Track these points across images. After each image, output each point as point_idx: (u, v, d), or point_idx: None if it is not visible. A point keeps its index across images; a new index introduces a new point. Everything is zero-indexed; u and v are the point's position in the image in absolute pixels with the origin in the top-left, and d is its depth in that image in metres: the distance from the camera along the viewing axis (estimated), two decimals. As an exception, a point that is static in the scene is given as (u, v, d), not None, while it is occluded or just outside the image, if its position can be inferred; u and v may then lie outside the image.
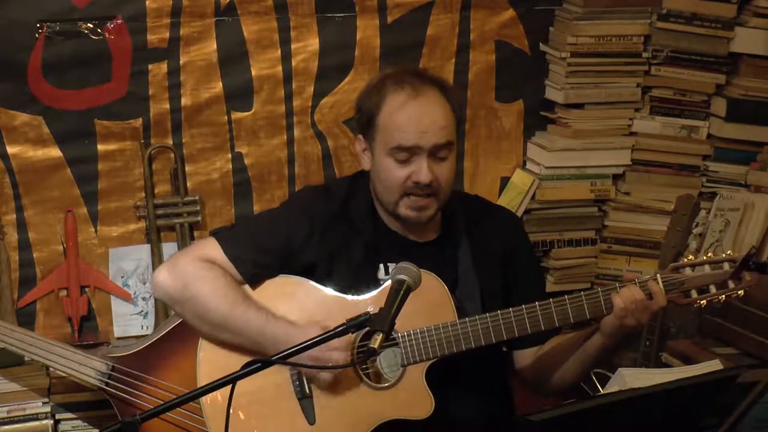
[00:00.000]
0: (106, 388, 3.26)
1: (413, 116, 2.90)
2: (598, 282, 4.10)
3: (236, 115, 3.90)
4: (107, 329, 3.87)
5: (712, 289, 2.90)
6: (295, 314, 2.96)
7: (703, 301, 2.91)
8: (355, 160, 3.89)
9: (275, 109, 3.92)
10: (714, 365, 2.95)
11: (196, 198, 3.88)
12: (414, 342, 2.90)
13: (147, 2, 3.74)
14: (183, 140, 3.87)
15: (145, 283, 3.88)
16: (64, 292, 3.81)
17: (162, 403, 2.36)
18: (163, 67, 3.81)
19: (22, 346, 3.41)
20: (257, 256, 3.00)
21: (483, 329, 2.89)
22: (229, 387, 2.31)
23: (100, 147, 3.81)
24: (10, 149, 3.74)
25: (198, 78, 3.84)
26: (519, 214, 3.99)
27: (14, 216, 3.78)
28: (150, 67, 3.80)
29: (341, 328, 2.43)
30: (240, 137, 3.91)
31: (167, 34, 3.78)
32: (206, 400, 2.94)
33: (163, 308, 3.81)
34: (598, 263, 4.14)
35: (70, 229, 3.80)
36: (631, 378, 2.82)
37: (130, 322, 3.89)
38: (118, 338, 3.85)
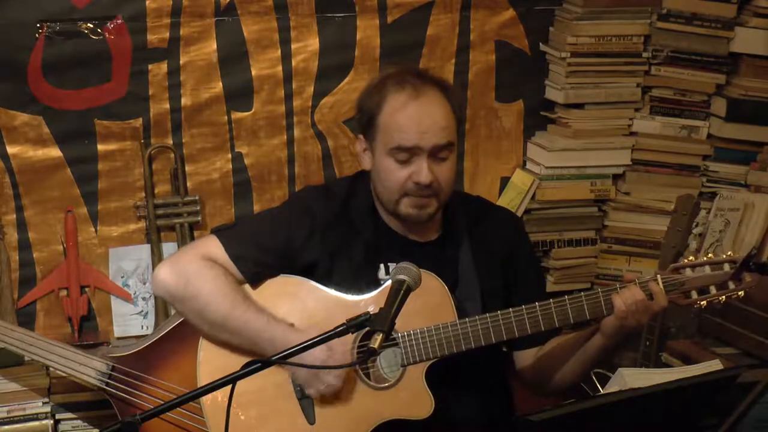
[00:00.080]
0: (106, 388, 3.26)
1: (414, 117, 2.90)
2: (598, 282, 4.10)
3: (236, 115, 3.90)
4: (107, 329, 3.87)
5: (713, 289, 2.89)
6: (296, 314, 2.96)
7: (704, 302, 2.91)
8: (355, 160, 3.89)
9: (275, 109, 3.92)
10: (714, 365, 2.95)
11: (196, 198, 3.88)
12: (414, 342, 2.90)
13: (147, 2, 3.74)
14: (183, 140, 3.87)
15: (145, 283, 3.88)
16: (64, 292, 3.81)
17: (162, 403, 2.36)
18: (163, 67, 3.81)
19: (22, 346, 3.41)
20: (258, 255, 3.00)
21: (483, 329, 2.89)
22: (230, 387, 2.31)
23: (100, 147, 3.81)
24: (10, 149, 3.74)
25: (198, 78, 3.84)
26: (519, 214, 3.99)
27: (14, 216, 3.78)
28: (150, 67, 3.80)
29: (341, 328, 2.43)
30: (240, 137, 3.91)
31: (167, 34, 3.78)
32: (206, 399, 2.94)
33: (163, 308, 3.81)
34: (598, 263, 4.14)
35: (70, 229, 3.80)
36: (631, 378, 2.82)
37: (130, 322, 3.89)
38: (118, 338, 3.85)
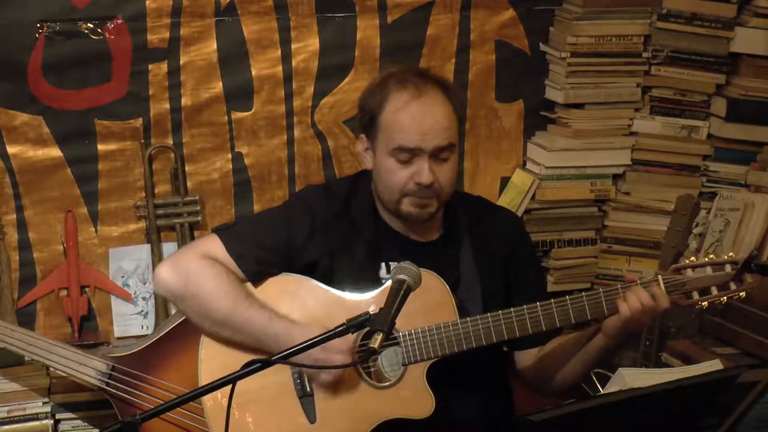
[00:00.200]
0: (106, 388, 3.26)
1: (416, 117, 2.90)
2: (598, 282, 4.10)
3: (236, 115, 3.90)
4: (107, 329, 3.87)
5: (714, 290, 2.89)
6: (297, 313, 2.96)
7: (705, 303, 2.91)
8: (355, 160, 3.90)
9: (275, 109, 3.92)
10: (714, 365, 2.95)
11: (196, 198, 3.88)
12: (415, 341, 2.90)
13: (147, 2, 3.74)
14: (183, 140, 3.87)
15: (145, 283, 3.88)
16: (64, 292, 3.81)
17: (162, 402, 2.36)
18: (163, 67, 3.81)
19: (22, 346, 3.41)
20: (260, 254, 3.00)
21: (484, 329, 2.89)
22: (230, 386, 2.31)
23: (100, 147, 3.81)
24: (10, 149, 3.74)
25: (198, 78, 3.84)
26: (519, 214, 3.99)
27: (14, 216, 3.78)
28: (150, 67, 3.80)
29: (341, 328, 2.43)
30: (240, 137, 3.91)
31: (167, 34, 3.78)
32: (207, 399, 2.93)
33: (163, 308, 3.81)
34: (598, 263, 4.14)
35: (70, 229, 3.80)
36: (631, 378, 2.82)
37: (130, 322, 3.89)
38: (118, 338, 3.85)
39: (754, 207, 3.79)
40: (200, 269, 2.96)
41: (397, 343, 2.90)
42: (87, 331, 3.85)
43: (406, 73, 2.97)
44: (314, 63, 3.92)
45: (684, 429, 2.50)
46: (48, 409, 3.64)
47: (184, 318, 3.09)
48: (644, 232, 4.10)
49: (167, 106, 3.83)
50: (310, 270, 3.01)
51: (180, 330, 3.16)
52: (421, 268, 2.59)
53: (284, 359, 2.41)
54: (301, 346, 2.41)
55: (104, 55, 3.74)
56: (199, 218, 3.87)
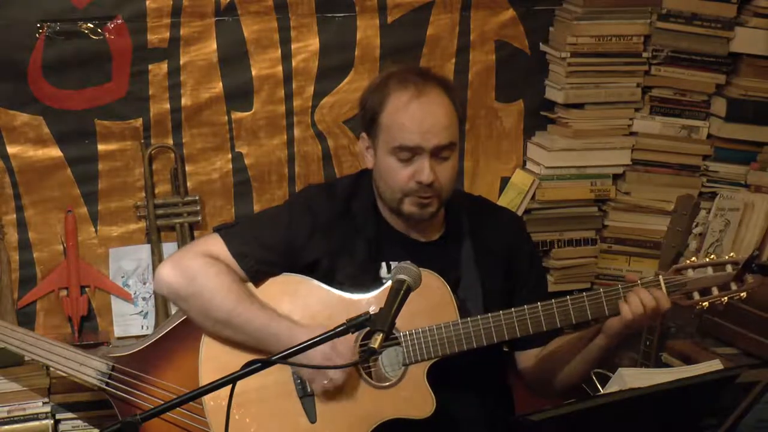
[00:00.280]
0: (106, 388, 3.26)
1: (416, 116, 2.90)
2: (598, 282, 4.10)
3: (236, 115, 3.90)
4: (107, 329, 3.87)
5: (715, 290, 2.89)
6: (298, 312, 2.96)
7: (706, 303, 2.91)
8: (354, 159, 3.90)
9: (275, 109, 3.92)
10: (714, 365, 2.95)
11: (196, 198, 3.88)
12: (416, 341, 2.90)
13: (147, 2, 3.74)
14: (183, 140, 3.87)
15: (145, 283, 3.88)
16: (64, 292, 3.81)
17: (162, 402, 2.36)
18: (163, 67, 3.81)
19: (22, 346, 3.41)
20: (261, 253, 3.00)
21: (485, 329, 2.89)
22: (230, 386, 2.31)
23: (101, 147, 3.81)
24: (10, 149, 3.74)
25: (198, 78, 3.84)
26: (519, 214, 3.98)
27: (14, 216, 3.78)
28: (150, 67, 3.80)
29: (341, 328, 2.43)
30: (240, 137, 3.91)
31: (167, 34, 3.78)
32: (208, 399, 2.93)
33: (163, 308, 3.81)
34: (598, 263, 4.14)
35: (70, 229, 3.79)
36: (631, 378, 2.82)
37: (130, 322, 3.89)
38: (118, 338, 3.85)
39: (754, 207, 3.79)
40: (202, 268, 2.96)
41: (398, 343, 2.90)
42: (87, 331, 3.85)
43: (407, 73, 2.98)
44: (314, 63, 3.92)
45: (684, 429, 2.50)
46: (48, 409, 3.63)
47: (184, 318, 3.10)
48: (644, 232, 4.10)
49: (167, 106, 3.83)
50: (310, 270, 3.01)
51: (180, 330, 3.16)
52: (421, 268, 2.59)
53: (284, 359, 2.41)
54: (301, 346, 2.40)
55: (104, 55, 3.74)
56: (199, 218, 3.87)
